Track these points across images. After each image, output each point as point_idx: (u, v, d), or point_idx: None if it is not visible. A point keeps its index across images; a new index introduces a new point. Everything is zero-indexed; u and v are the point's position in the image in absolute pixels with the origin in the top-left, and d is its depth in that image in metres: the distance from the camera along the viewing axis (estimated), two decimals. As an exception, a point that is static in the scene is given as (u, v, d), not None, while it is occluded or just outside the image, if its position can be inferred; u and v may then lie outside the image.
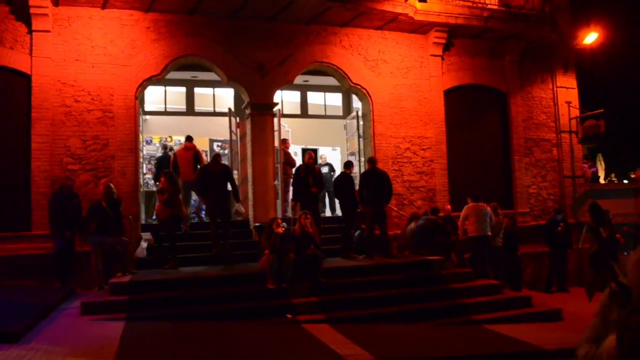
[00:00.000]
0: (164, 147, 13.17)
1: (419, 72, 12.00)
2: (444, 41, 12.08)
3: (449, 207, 11.30)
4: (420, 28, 11.80)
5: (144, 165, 12.83)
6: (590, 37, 13.48)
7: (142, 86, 10.25)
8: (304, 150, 13.29)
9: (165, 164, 11.67)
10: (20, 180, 9.32)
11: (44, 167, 9.40)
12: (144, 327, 6.80)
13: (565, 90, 13.59)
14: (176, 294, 7.80)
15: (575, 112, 13.61)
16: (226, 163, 11.49)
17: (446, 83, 12.28)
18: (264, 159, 10.91)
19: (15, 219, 9.22)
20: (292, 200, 10.54)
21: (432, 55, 12.11)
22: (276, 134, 11.23)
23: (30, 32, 9.46)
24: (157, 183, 11.06)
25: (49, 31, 9.54)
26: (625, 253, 10.72)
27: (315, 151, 14.51)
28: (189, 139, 11.42)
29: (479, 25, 11.91)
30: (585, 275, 12.29)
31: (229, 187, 9.74)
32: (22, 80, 9.48)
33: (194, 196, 12.81)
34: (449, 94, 12.31)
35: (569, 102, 13.54)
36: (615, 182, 18.31)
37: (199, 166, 10.63)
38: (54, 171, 9.43)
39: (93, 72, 9.78)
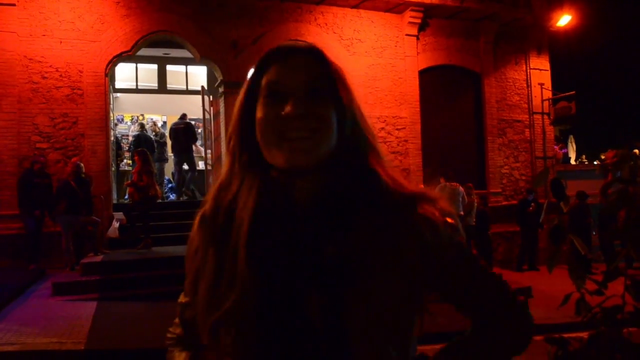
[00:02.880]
0: (141, 125, 12.96)
1: (394, 51, 11.97)
2: (419, 21, 12.05)
3: (422, 186, 11.37)
4: (395, 7, 11.74)
5: (117, 144, 12.62)
6: (564, 20, 13.61)
7: (112, 63, 10.00)
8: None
9: (142, 142, 11.55)
10: (-13, 159, 9.07)
11: (11, 145, 9.15)
12: (116, 307, 6.76)
13: (539, 72, 13.74)
14: (149, 274, 7.75)
15: (548, 94, 13.79)
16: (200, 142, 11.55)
17: (421, 63, 12.29)
18: (238, 138, 10.79)
19: (-18, 198, 8.99)
20: None
21: (407, 35, 12.08)
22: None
23: (-6, 5, 9.13)
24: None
25: (14, 5, 9.21)
26: (594, 233, 11.02)
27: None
28: (183, 116, 12.50)
29: (454, 5, 11.90)
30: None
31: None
32: (-13, 56, 9.17)
33: (167, 175, 12.71)
34: (423, 74, 12.32)
35: (541, 84, 13.71)
36: (586, 163, 18.69)
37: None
38: (21, 150, 9.19)
39: (61, 48, 9.50)
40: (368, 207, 0.90)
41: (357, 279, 0.85)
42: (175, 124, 12.25)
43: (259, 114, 0.92)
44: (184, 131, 11.83)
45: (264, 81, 0.94)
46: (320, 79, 0.93)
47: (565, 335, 1.66)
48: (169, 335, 1.13)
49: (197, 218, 1.01)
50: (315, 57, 0.95)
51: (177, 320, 1.12)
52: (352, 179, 0.92)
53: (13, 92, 9.19)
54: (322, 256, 0.85)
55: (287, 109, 0.88)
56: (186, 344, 1.09)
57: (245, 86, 0.98)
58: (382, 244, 0.88)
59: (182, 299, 1.10)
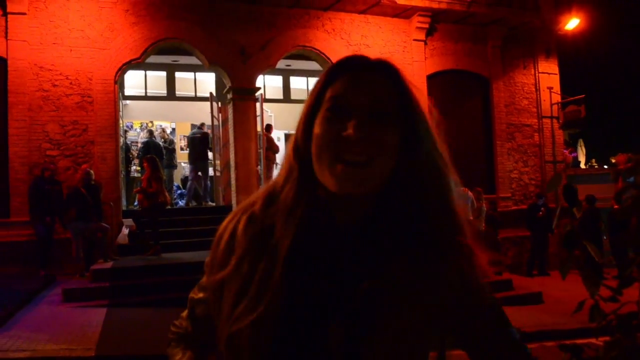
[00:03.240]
0: (150, 132, 13.05)
1: (401, 57, 11.96)
2: (426, 26, 12.05)
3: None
4: (403, 12, 11.75)
5: (128, 151, 12.70)
6: (572, 23, 13.55)
7: (122, 70, 10.07)
8: (287, 136, 13.25)
9: (151, 149, 11.63)
10: (-2, 166, 9.14)
11: (22, 152, 9.22)
12: (126, 313, 6.78)
13: (547, 76, 13.67)
14: (158, 280, 7.76)
15: (557, 98, 13.72)
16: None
17: (429, 68, 12.27)
18: (246, 144, 10.83)
19: (-7, 205, 9.05)
20: None
21: (415, 40, 12.08)
22: (258, 118, 11.16)
23: (5, 14, 9.22)
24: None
25: (24, 13, 9.30)
26: (605, 237, 10.92)
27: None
28: (201, 126, 12.83)
29: (461, 10, 11.89)
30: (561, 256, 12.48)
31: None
32: (-2, 64, 9.27)
33: (176, 181, 12.76)
34: (431, 79, 12.30)
35: (550, 88, 13.64)
36: (596, 167, 18.56)
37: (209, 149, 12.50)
38: (32, 157, 9.27)
39: (71, 56, 9.58)
40: (411, 246, 0.86)
41: (383, 316, 0.82)
42: (193, 132, 12.67)
43: (317, 128, 0.87)
44: (200, 140, 12.19)
45: (328, 94, 0.88)
46: (389, 100, 0.86)
47: (578, 342, 1.64)
48: (173, 329, 1.08)
49: (245, 217, 0.94)
50: (388, 75, 0.89)
51: (184, 314, 1.07)
52: (402, 213, 0.87)
53: (24, 100, 9.27)
54: (354, 288, 0.82)
55: (349, 130, 0.82)
56: (191, 341, 1.04)
57: (310, 95, 0.92)
58: (414, 285, 0.84)
59: (195, 293, 1.04)
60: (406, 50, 12.01)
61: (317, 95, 0.90)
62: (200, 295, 1.02)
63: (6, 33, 9.22)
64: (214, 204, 12.19)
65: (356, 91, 0.86)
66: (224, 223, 0.98)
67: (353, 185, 0.82)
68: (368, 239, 0.85)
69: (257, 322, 0.83)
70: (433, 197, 0.89)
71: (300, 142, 0.91)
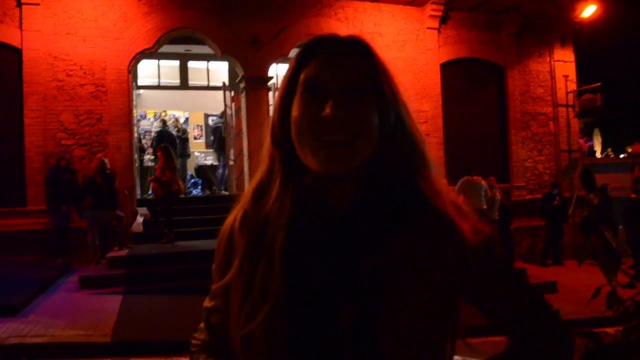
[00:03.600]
0: (163, 121, 13.12)
1: (415, 45, 11.87)
2: (440, 14, 11.93)
3: (444, 181, 11.28)
4: (416, 0, 11.64)
5: (140, 140, 12.78)
6: (589, 10, 13.32)
7: (135, 60, 10.11)
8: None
9: (165, 138, 11.69)
10: (14, 156, 9.25)
11: (38, 142, 9.32)
12: (141, 300, 6.85)
13: (563, 64, 13.49)
14: (172, 268, 7.84)
15: (573, 86, 13.54)
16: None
17: (443, 56, 12.17)
18: (259, 133, 10.83)
19: (10, 194, 9.17)
20: None
21: (428, 28, 11.97)
22: (271, 108, 11.12)
23: (19, 4, 9.28)
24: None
25: (38, 4, 9.36)
26: (620, 227, 10.82)
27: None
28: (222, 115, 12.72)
29: (475, -3, 11.76)
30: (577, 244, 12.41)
31: None
32: (13, 55, 9.33)
33: (190, 170, 12.83)
34: (445, 67, 12.20)
35: (566, 76, 13.46)
36: (612, 156, 18.33)
37: None
38: (47, 146, 9.36)
39: (84, 46, 9.63)
40: (405, 220, 0.84)
41: (391, 293, 0.81)
42: (215, 122, 12.90)
43: (294, 111, 0.86)
44: (222, 130, 12.48)
45: (302, 76, 0.86)
46: (364, 76, 0.85)
47: (594, 331, 1.63)
48: (193, 341, 1.04)
49: (239, 216, 0.94)
50: (359, 51, 0.87)
51: (202, 325, 1.03)
52: (391, 188, 0.86)
53: (39, 90, 9.35)
54: (357, 268, 0.81)
55: (327, 110, 0.81)
56: (212, 351, 1.00)
57: (283, 80, 0.90)
58: (417, 259, 0.83)
59: (207, 302, 1.01)
60: (419, 39, 11.92)
61: (290, 79, 0.88)
62: (213, 303, 1.00)
63: (20, 24, 9.29)
64: (227, 193, 12.25)
65: (331, 70, 0.84)
66: (223, 227, 0.98)
67: (337, 165, 0.82)
68: (362, 219, 0.84)
69: (266, 321, 0.82)
70: (415, 174, 0.89)
71: (278, 129, 0.90)
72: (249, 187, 0.96)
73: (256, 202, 0.92)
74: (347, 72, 0.84)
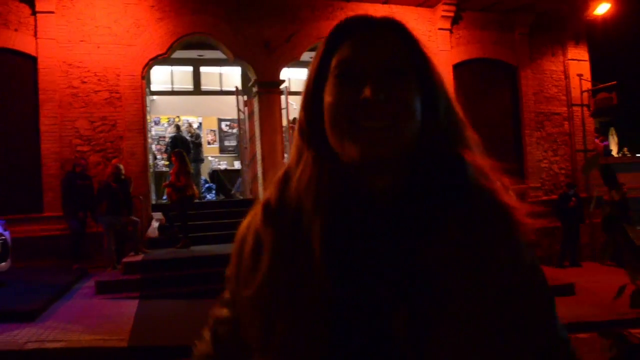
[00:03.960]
0: (177, 126, 13.20)
1: (427, 46, 11.81)
2: (452, 14, 11.88)
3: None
4: (427, 1, 11.61)
5: (153, 146, 12.87)
6: (602, 8, 13.18)
7: (148, 66, 10.20)
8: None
9: (179, 143, 11.75)
10: (31, 163, 9.36)
11: (54, 149, 9.43)
12: (157, 305, 6.88)
13: (577, 63, 13.36)
14: (188, 273, 7.86)
15: (587, 85, 13.40)
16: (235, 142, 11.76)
17: (455, 57, 12.11)
18: (272, 137, 10.86)
19: (27, 201, 9.27)
20: None
21: (440, 29, 11.93)
22: (284, 111, 11.18)
23: (34, 13, 9.41)
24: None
25: (52, 12, 9.48)
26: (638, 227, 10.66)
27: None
28: None
29: (487, -3, 11.70)
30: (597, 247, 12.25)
31: None
32: (29, 63, 9.45)
33: (204, 175, 12.87)
34: (458, 68, 12.14)
35: (580, 75, 13.33)
36: (628, 155, 18.09)
37: None
38: (63, 153, 9.46)
39: (98, 53, 9.73)
40: (458, 206, 0.74)
41: (449, 296, 0.70)
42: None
43: (328, 97, 0.77)
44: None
45: (334, 61, 0.78)
46: (403, 56, 0.78)
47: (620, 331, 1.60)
48: (196, 352, 0.93)
49: (260, 209, 0.83)
50: (396, 31, 0.81)
51: (206, 334, 0.92)
52: (437, 173, 0.76)
53: (54, 97, 9.46)
54: (407, 265, 0.71)
55: (366, 93, 0.73)
56: None
57: (312, 66, 0.82)
58: (476, 250, 0.72)
59: (218, 311, 0.91)
60: (431, 40, 11.87)
61: (320, 64, 0.81)
62: (224, 312, 0.88)
63: (35, 32, 9.41)
64: (241, 197, 12.29)
65: (367, 52, 0.77)
66: (241, 228, 0.87)
67: (378, 152, 0.73)
68: (410, 207, 0.75)
69: (307, 330, 0.72)
70: (462, 156, 0.79)
71: (306, 121, 0.81)
72: (275, 178, 0.85)
73: (283, 192, 0.81)
74: (386, 53, 0.78)
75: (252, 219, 0.86)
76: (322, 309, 0.72)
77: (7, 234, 7.21)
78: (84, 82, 9.65)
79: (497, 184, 0.80)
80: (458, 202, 0.74)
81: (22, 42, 9.39)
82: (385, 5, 11.52)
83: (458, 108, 0.83)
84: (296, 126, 0.85)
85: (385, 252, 0.73)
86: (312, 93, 0.81)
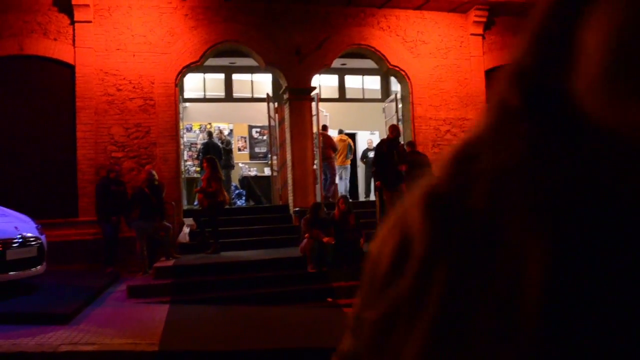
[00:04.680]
0: (209, 133, 13.34)
1: (458, 52, 11.70)
2: (484, 20, 11.72)
3: None
4: (459, 6, 11.48)
5: (185, 152, 13.03)
6: None
7: (182, 73, 10.35)
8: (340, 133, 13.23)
9: (211, 150, 11.87)
10: (67, 168, 9.59)
11: (89, 155, 9.64)
12: (188, 310, 6.92)
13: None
14: (218, 278, 7.91)
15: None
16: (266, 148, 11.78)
17: (487, 63, 11.94)
18: (302, 143, 10.88)
19: (63, 205, 9.49)
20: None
21: (472, 34, 11.78)
22: (314, 118, 11.18)
23: (72, 23, 9.67)
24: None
25: (90, 22, 9.72)
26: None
27: (353, 135, 14.40)
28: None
29: (520, 1, 11.49)
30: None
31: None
32: (67, 71, 9.72)
33: (234, 181, 12.95)
34: (490, 74, 11.96)
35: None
36: None
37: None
38: (98, 159, 9.66)
39: (134, 61, 9.93)
40: None
41: None
42: None
43: (605, 26, 0.39)
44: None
45: None
46: None
47: None
48: None
49: (422, 200, 0.48)
50: None
51: None
52: None
53: (90, 105, 9.68)
54: None
55: None
56: None
57: None
58: None
59: (345, 344, 0.59)
60: (463, 46, 11.73)
61: None
62: (349, 343, 0.58)
63: (74, 41, 9.67)
64: (269, 204, 12.33)
65: None
66: (374, 247, 0.53)
67: None
68: None
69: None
70: None
71: (534, 64, 0.48)
72: (447, 158, 0.50)
73: (463, 179, 0.46)
74: None
75: (398, 219, 0.52)
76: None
77: (43, 238, 7.37)
78: (119, 90, 9.85)
79: None
80: None
81: (61, 51, 9.66)
82: (417, 11, 11.44)
83: None
84: (500, 83, 0.51)
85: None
86: (551, 22, 0.46)
